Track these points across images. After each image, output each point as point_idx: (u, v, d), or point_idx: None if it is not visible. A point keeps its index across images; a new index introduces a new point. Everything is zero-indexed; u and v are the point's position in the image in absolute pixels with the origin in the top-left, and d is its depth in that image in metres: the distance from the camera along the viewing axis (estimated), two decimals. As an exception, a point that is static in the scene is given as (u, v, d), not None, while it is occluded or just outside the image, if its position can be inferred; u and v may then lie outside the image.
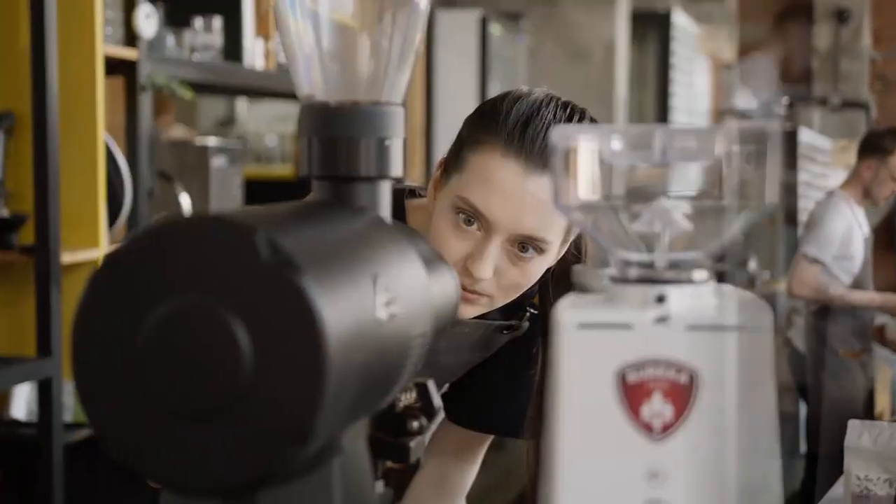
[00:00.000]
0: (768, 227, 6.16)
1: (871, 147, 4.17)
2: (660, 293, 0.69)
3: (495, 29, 4.92)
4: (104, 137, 2.54)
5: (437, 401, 0.85)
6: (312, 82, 0.84)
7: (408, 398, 0.85)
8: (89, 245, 2.53)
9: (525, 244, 1.20)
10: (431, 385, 0.88)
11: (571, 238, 1.28)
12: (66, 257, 2.44)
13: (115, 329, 0.63)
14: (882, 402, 4.40)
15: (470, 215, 1.20)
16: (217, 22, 3.03)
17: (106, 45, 2.58)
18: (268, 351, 0.61)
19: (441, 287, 0.86)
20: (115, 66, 2.66)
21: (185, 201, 2.82)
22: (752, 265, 5.85)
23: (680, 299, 0.69)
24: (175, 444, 0.61)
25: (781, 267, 5.81)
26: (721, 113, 9.65)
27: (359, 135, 0.82)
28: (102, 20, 2.56)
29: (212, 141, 3.04)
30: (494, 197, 1.18)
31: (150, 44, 2.74)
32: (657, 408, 0.67)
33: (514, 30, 5.29)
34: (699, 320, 0.68)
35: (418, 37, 0.85)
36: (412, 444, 0.80)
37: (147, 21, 2.65)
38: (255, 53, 3.22)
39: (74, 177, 2.49)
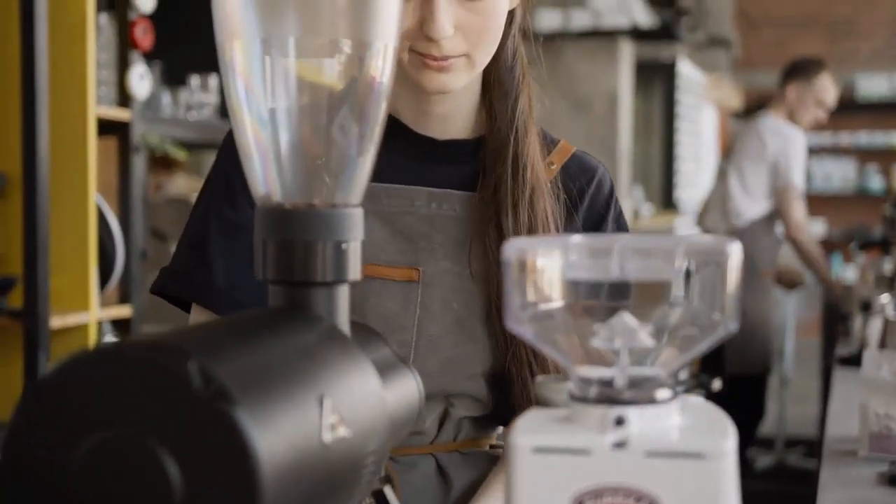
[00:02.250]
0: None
1: (797, 71, 4.47)
2: (619, 415, 0.66)
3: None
4: (96, 199, 2.52)
5: (395, 508, 0.82)
6: (268, 183, 0.81)
7: (363, 511, 0.81)
8: (80, 308, 2.50)
9: None
10: (388, 491, 0.85)
11: None
12: (56, 321, 2.42)
13: (44, 458, 0.61)
14: None
15: None
16: (213, 80, 3.03)
17: (99, 107, 2.57)
18: (199, 485, 0.59)
19: (399, 395, 0.83)
20: (108, 127, 2.65)
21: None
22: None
23: (641, 421, 0.66)
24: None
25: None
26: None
27: (315, 238, 0.79)
28: (96, 81, 2.55)
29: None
30: None
31: (145, 103, 2.73)
32: (613, 543, 0.64)
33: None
34: (659, 446, 0.65)
35: (377, 133, 0.83)
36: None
37: (141, 82, 2.64)
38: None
39: (65, 239, 2.47)
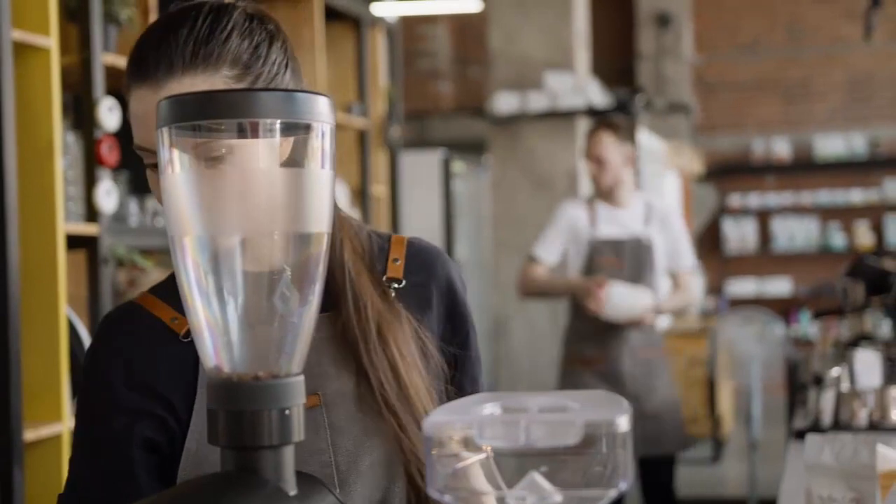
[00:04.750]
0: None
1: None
2: (530, 569, 0.75)
3: (458, 167, 5.05)
4: (66, 312, 2.60)
5: None
6: (217, 357, 0.90)
7: None
8: (52, 419, 2.57)
9: None
10: None
11: None
12: (29, 434, 2.48)
13: None
14: None
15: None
16: (178, 187, 3.12)
17: (68, 223, 2.66)
18: None
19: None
20: (76, 241, 2.74)
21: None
22: None
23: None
24: None
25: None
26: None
27: (261, 407, 0.88)
28: (64, 197, 2.65)
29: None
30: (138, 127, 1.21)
31: (112, 216, 2.82)
32: None
33: (476, 164, 5.42)
34: None
35: (315, 305, 0.92)
36: None
37: (107, 197, 2.74)
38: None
39: (36, 353, 2.55)
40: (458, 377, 1.34)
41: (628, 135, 3.98)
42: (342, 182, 4.31)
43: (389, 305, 1.27)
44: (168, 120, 0.89)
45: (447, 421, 0.78)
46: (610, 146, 3.94)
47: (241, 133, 0.89)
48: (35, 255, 2.55)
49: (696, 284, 4.16)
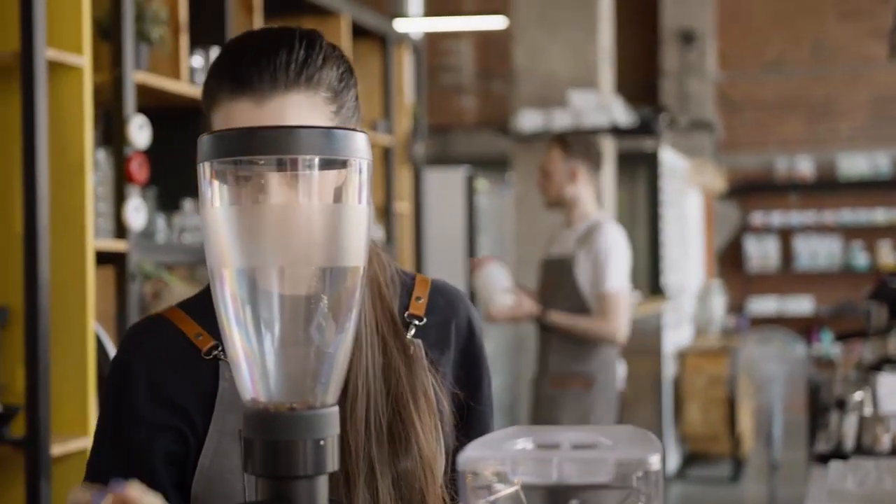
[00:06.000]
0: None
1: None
2: None
3: (481, 184, 5.06)
4: (94, 328, 2.63)
5: None
6: (255, 388, 0.92)
7: None
8: (80, 434, 2.60)
9: None
10: None
11: None
12: (57, 448, 2.51)
13: None
14: None
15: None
16: (206, 203, 3.16)
17: (97, 239, 2.69)
18: None
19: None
20: (105, 257, 2.77)
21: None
22: None
23: None
24: None
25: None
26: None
27: (297, 438, 0.90)
28: (94, 214, 2.68)
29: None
30: None
31: (140, 232, 2.86)
32: None
33: (500, 181, 5.43)
34: None
35: (350, 336, 0.94)
36: None
37: (136, 214, 2.77)
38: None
39: (65, 367, 2.57)
40: (469, 422, 1.34)
41: (580, 153, 3.95)
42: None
43: (402, 343, 1.28)
44: (210, 155, 0.91)
45: (481, 457, 0.79)
46: (555, 160, 3.97)
47: (281, 168, 0.91)
48: (65, 270, 2.59)
49: (619, 311, 3.83)
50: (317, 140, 0.90)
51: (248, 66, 1.19)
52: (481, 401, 1.36)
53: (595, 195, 4.02)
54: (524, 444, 0.81)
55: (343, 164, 0.91)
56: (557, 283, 3.93)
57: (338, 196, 0.92)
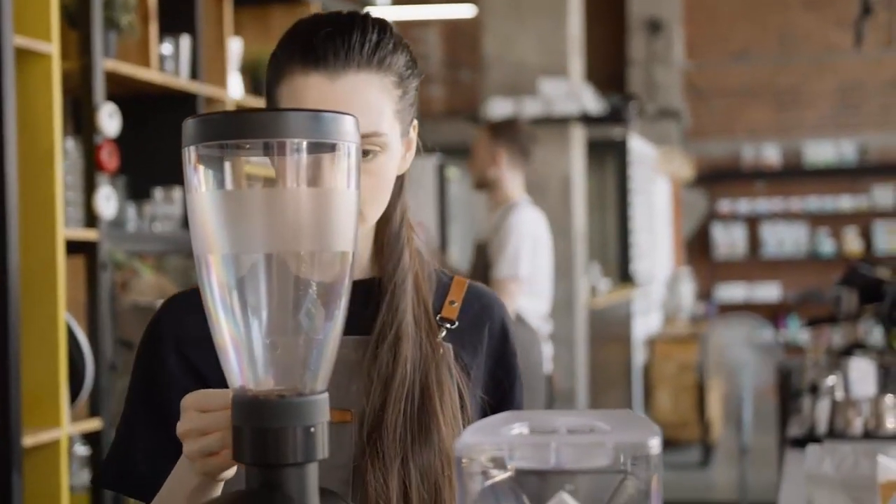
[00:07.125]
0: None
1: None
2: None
3: (452, 173, 5.05)
4: (65, 317, 2.60)
5: None
6: (243, 376, 0.91)
7: None
8: (51, 425, 2.57)
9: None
10: None
11: (413, 125, 1.29)
12: (28, 440, 2.48)
13: None
14: None
15: None
16: (177, 193, 3.13)
17: (67, 228, 2.66)
18: None
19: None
20: (75, 246, 2.74)
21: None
22: None
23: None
24: None
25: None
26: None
27: (286, 425, 0.88)
28: (64, 203, 2.65)
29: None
30: None
31: (111, 221, 2.82)
32: None
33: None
34: None
35: (340, 323, 0.93)
36: None
37: (107, 202, 2.74)
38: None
39: (36, 358, 2.54)
40: None
41: (504, 139, 3.98)
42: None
43: (433, 341, 1.27)
44: (195, 139, 0.89)
45: (478, 442, 0.79)
46: (481, 142, 4.02)
47: (268, 152, 0.89)
48: (35, 260, 2.55)
49: (505, 299, 3.73)
50: (304, 123, 0.88)
51: (324, 41, 1.19)
52: (513, 405, 1.36)
53: (520, 181, 4.02)
54: (520, 428, 0.81)
55: (332, 148, 0.90)
56: (477, 266, 3.96)
57: (326, 180, 0.90)
